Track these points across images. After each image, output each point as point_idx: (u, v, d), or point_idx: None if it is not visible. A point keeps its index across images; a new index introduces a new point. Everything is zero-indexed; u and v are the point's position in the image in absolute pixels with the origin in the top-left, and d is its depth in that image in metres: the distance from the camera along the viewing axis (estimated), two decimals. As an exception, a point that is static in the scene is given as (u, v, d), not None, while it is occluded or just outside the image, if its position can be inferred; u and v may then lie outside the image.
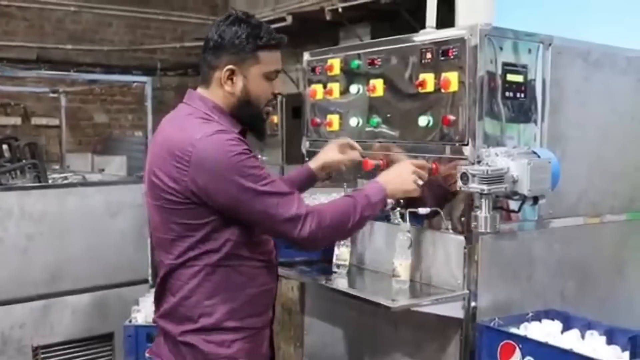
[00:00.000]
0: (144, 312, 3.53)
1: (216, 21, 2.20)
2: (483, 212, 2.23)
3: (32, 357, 3.99)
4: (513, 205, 2.35)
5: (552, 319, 2.38)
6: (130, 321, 3.51)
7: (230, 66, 2.14)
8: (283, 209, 2.05)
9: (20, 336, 3.96)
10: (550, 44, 2.51)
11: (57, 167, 5.51)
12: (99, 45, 8.24)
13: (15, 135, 4.78)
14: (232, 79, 2.15)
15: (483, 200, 2.23)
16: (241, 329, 2.15)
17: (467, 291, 2.36)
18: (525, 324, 2.35)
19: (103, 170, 5.54)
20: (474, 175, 2.21)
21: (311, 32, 6.93)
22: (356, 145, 2.67)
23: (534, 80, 2.48)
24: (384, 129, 2.72)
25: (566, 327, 2.34)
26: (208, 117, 2.13)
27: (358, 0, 5.98)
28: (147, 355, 3.25)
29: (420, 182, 2.39)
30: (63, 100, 5.75)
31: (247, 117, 2.21)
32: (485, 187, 2.19)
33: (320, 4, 6.78)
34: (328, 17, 6.39)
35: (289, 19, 6.96)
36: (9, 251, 3.90)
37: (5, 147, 4.41)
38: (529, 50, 2.47)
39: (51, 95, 6.08)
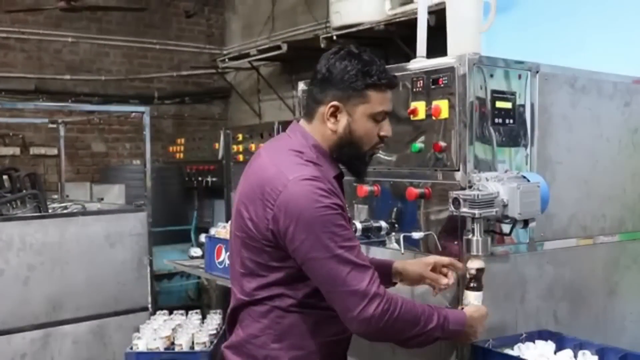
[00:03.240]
0: (145, 339, 3.56)
1: (327, 53, 2.12)
2: (475, 236, 2.29)
3: (32, 387, 4.02)
4: (505, 228, 2.42)
5: (546, 340, 2.43)
6: (131, 348, 3.54)
7: (335, 102, 2.04)
8: (354, 279, 1.90)
9: (21, 366, 3.99)
10: (537, 71, 2.59)
11: (56, 196, 5.58)
12: (96, 75, 8.32)
13: (14, 166, 4.84)
14: (336, 116, 2.06)
15: (475, 224, 2.29)
16: None
17: (462, 313, 2.41)
18: (519, 344, 2.39)
19: (102, 199, 5.59)
20: (465, 200, 2.27)
21: (306, 59, 7.01)
22: (458, 265, 2.35)
23: (523, 106, 2.56)
24: (378, 155, 2.78)
25: (559, 347, 2.39)
26: (307, 156, 2.03)
27: (352, 29, 6.07)
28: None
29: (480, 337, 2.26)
30: (62, 130, 5.83)
31: (347, 158, 2.12)
32: (476, 211, 2.25)
33: (314, 32, 6.88)
34: (322, 45, 6.46)
35: (284, 47, 7.04)
36: (10, 282, 3.95)
37: (5, 177, 4.47)
38: (517, 77, 2.55)
39: (50, 125, 6.15)
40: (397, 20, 5.63)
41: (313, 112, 2.11)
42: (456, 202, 2.30)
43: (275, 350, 2.06)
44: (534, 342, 2.42)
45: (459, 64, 2.42)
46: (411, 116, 2.58)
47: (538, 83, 2.59)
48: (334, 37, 6.29)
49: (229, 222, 3.02)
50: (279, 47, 7.13)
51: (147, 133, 4.68)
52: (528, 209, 2.32)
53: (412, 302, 2.10)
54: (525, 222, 2.36)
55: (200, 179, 7.27)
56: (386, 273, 2.40)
